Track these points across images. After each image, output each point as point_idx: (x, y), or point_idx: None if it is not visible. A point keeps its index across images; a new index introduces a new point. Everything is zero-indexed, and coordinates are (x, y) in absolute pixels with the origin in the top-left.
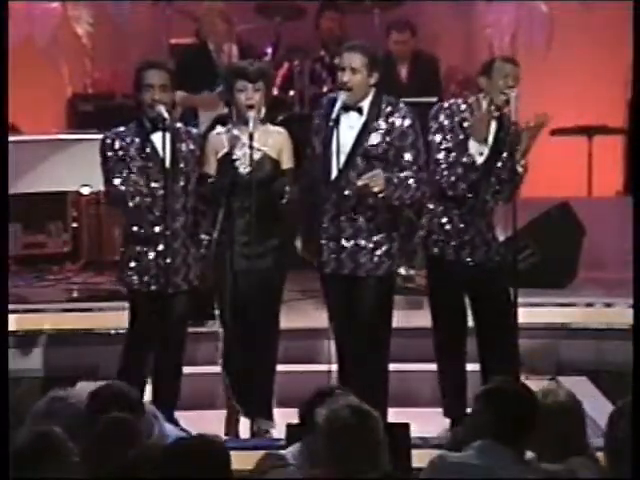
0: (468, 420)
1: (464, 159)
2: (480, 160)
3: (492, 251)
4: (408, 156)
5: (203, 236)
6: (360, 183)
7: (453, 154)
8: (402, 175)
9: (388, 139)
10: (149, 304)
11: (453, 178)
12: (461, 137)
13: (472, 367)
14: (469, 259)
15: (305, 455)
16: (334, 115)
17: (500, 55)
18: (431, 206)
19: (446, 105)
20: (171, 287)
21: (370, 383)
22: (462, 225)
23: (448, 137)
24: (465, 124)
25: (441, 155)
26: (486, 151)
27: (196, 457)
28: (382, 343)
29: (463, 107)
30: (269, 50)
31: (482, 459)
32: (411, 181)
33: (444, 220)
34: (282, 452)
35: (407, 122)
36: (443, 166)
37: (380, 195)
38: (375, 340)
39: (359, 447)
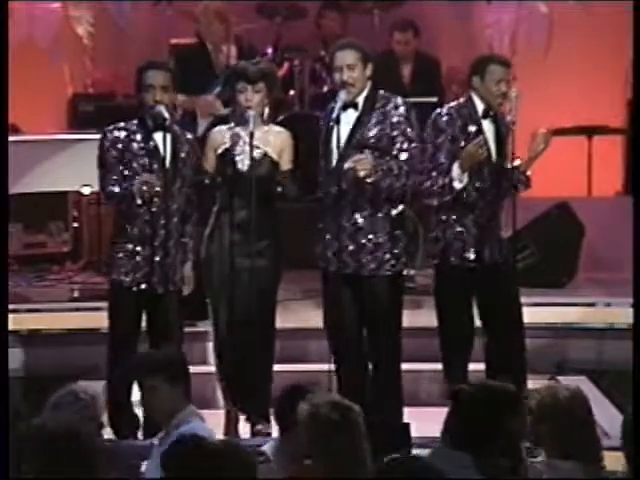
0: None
1: (445, 179)
2: (458, 186)
3: (505, 249)
4: (399, 144)
5: (187, 239)
6: (346, 166)
7: (443, 163)
8: (392, 162)
9: (382, 129)
10: (138, 303)
11: (435, 188)
12: (459, 143)
13: (474, 367)
14: (488, 260)
15: (283, 451)
16: (334, 114)
17: (492, 55)
18: (443, 217)
19: (445, 111)
20: (161, 286)
21: (382, 385)
22: (477, 230)
23: (445, 145)
24: (468, 126)
25: (431, 164)
26: (465, 180)
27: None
28: (391, 343)
29: (459, 111)
30: (269, 50)
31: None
32: (402, 169)
33: (459, 229)
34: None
35: (400, 111)
36: (433, 173)
37: (368, 180)
38: (383, 340)
39: (342, 442)
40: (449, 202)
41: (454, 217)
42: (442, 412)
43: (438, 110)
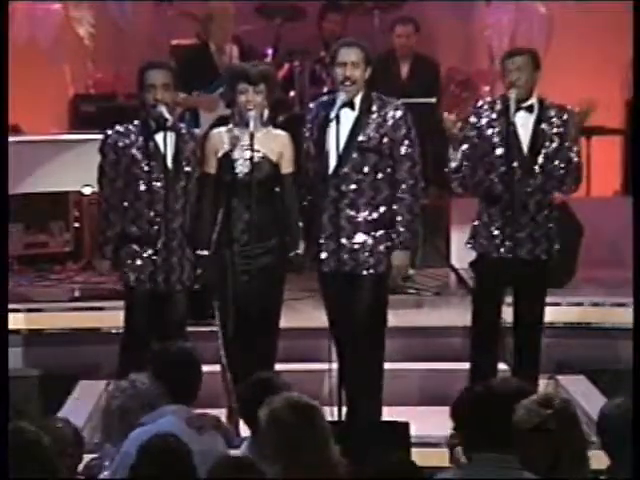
0: None
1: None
2: (452, 165)
3: (553, 247)
4: (403, 149)
5: (200, 237)
6: (396, 282)
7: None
8: (405, 188)
9: (381, 131)
10: (144, 303)
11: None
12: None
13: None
14: (523, 254)
15: (254, 451)
16: (334, 114)
17: (503, 53)
18: (479, 208)
19: (478, 105)
20: (166, 286)
21: (371, 381)
22: (505, 221)
23: (473, 137)
24: (493, 124)
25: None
26: (458, 157)
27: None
28: (381, 340)
29: (493, 104)
30: (269, 51)
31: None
32: (411, 181)
33: (486, 219)
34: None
35: (399, 114)
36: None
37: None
38: (375, 337)
39: (304, 442)
40: (481, 192)
41: (483, 206)
42: (442, 411)
43: (478, 103)
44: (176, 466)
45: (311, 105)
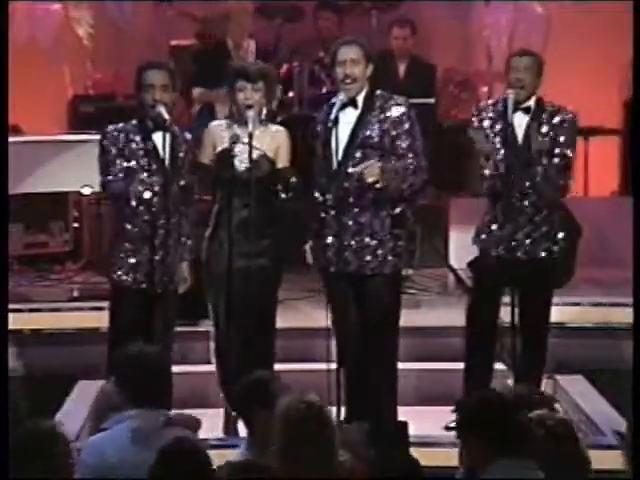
0: None
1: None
2: (485, 172)
3: (537, 248)
4: (404, 144)
5: (184, 239)
6: (351, 170)
7: None
8: (398, 163)
9: (383, 128)
10: (138, 302)
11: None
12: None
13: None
14: (522, 254)
15: (254, 445)
16: (333, 115)
17: (505, 53)
18: (485, 206)
19: (481, 106)
20: (161, 286)
21: (379, 383)
22: (504, 219)
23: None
24: (495, 124)
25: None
26: (492, 165)
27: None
28: (390, 342)
29: (495, 105)
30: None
31: None
32: (409, 169)
33: (488, 217)
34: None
35: (401, 110)
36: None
37: (377, 185)
38: (382, 339)
39: (312, 442)
40: (487, 191)
41: (488, 205)
42: (440, 411)
43: (480, 103)
44: (194, 469)
45: (324, 109)
